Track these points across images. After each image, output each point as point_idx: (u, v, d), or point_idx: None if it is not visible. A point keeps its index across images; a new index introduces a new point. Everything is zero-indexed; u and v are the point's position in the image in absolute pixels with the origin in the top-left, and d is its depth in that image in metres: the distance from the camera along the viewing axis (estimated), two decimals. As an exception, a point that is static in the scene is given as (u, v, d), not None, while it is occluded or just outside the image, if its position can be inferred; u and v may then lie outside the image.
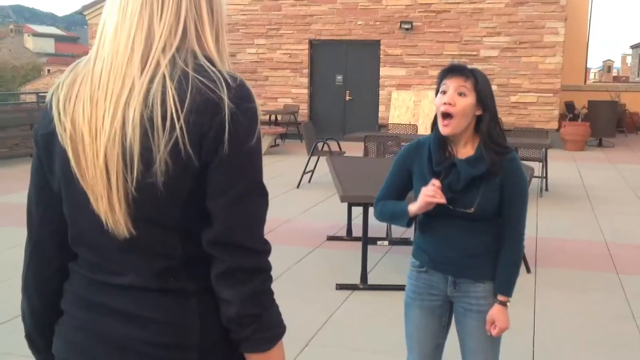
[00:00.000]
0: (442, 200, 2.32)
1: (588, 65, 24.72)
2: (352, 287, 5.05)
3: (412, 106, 15.35)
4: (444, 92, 2.38)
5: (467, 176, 2.37)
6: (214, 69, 1.25)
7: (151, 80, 1.21)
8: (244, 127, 1.23)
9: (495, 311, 2.43)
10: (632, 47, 48.85)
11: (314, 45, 16.14)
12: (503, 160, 2.39)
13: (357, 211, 6.70)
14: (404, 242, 5.85)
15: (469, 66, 2.42)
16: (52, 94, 1.30)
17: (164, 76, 1.21)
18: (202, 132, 1.20)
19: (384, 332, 4.25)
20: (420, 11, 15.47)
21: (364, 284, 5.10)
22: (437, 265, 2.51)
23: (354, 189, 5.09)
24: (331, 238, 6.52)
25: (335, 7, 15.86)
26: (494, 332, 2.43)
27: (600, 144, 15.63)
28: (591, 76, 36.10)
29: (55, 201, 1.34)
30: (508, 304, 2.43)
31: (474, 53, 15.30)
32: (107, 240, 1.27)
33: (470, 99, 2.36)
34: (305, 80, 16.24)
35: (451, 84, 2.37)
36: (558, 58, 15.01)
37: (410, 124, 11.74)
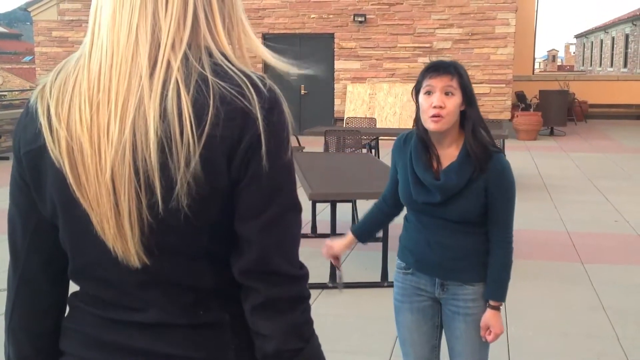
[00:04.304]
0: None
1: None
2: (320, 286, 4.96)
3: (367, 99, 15.34)
4: (429, 93, 2.26)
5: (454, 188, 2.28)
6: (234, 68, 1.06)
7: (164, 86, 1.02)
8: (278, 138, 1.06)
9: (488, 316, 2.35)
10: (576, 36, 49.88)
11: (267, 39, 15.96)
12: (489, 159, 2.27)
13: (320, 207, 6.63)
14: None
15: (449, 61, 2.32)
16: (37, 99, 1.09)
17: (178, 82, 1.02)
18: (231, 146, 1.03)
19: (358, 332, 4.19)
20: (373, 4, 15.46)
21: (333, 283, 5.01)
22: (423, 266, 2.42)
23: (321, 187, 5.01)
24: (295, 236, 6.42)
25: (288, 0, 15.72)
26: (489, 338, 2.36)
27: (552, 133, 15.88)
28: (536, 66, 36.81)
29: (45, 226, 1.15)
30: (501, 307, 2.36)
31: (427, 45, 15.37)
32: (122, 273, 1.08)
33: (457, 98, 2.25)
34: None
35: (437, 84, 2.23)
36: (509, 49, 15.20)
37: (367, 117, 11.70)
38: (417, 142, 2.35)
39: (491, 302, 2.34)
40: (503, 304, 2.36)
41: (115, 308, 1.13)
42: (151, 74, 1.03)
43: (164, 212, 1.03)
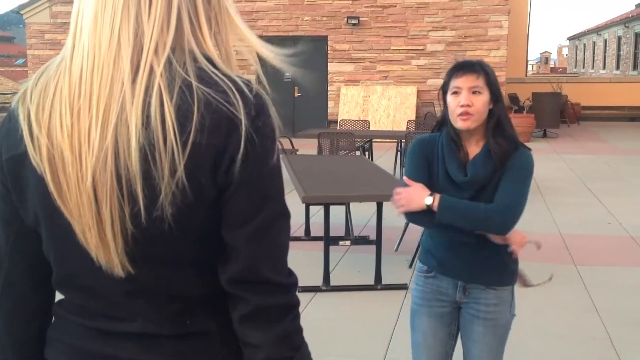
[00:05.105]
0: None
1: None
2: (314, 289, 4.95)
3: (361, 101, 15.35)
4: (457, 93, 2.25)
5: (482, 180, 2.26)
6: (219, 73, 1.04)
7: (146, 92, 0.99)
8: (264, 145, 1.04)
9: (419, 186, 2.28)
10: (569, 38, 50.04)
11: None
12: (513, 152, 2.25)
13: (314, 210, 6.62)
14: (365, 241, 5.79)
15: (475, 60, 2.32)
16: (18, 105, 1.05)
17: (160, 88, 0.99)
18: (217, 154, 1.00)
19: (351, 335, 4.18)
20: (366, 6, 15.48)
21: (327, 286, 5.00)
22: (446, 269, 2.39)
23: (314, 189, 5.00)
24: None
25: (282, 2, 15.72)
26: (397, 200, 2.30)
27: (544, 135, 15.92)
28: (529, 68, 36.94)
29: (29, 233, 1.12)
30: (427, 201, 2.24)
31: (421, 47, 15.40)
32: (106, 283, 1.06)
33: (485, 96, 2.25)
34: (252, 78, 15.95)
35: (463, 84, 2.23)
36: (502, 51, 15.23)
37: (360, 120, 11.71)
38: (449, 141, 2.32)
39: (435, 196, 2.26)
40: (434, 208, 2.25)
41: (100, 318, 1.11)
42: (133, 80, 1.00)
43: (148, 222, 1.01)
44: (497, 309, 2.37)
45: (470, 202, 2.26)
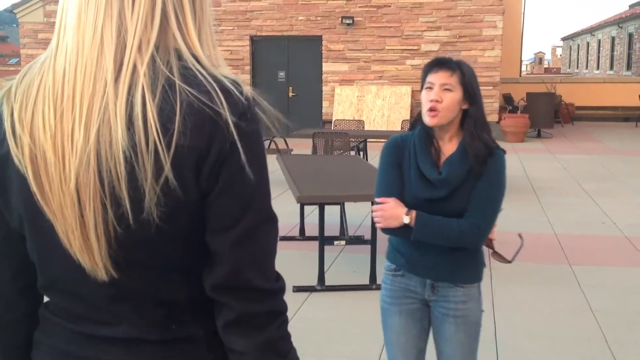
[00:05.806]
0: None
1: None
2: (309, 289, 4.95)
3: (355, 101, 15.34)
4: (430, 89, 2.27)
5: (457, 179, 2.26)
6: (205, 73, 1.01)
7: (129, 91, 0.97)
8: (249, 147, 1.01)
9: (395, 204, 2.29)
10: (563, 39, 50.13)
11: (255, 41, 15.95)
12: (489, 156, 2.27)
13: (309, 209, 6.60)
14: (359, 240, 5.78)
15: (455, 59, 2.31)
16: (2, 102, 1.04)
17: (143, 88, 0.96)
18: (199, 157, 0.98)
19: (347, 335, 4.16)
20: (361, 6, 15.47)
21: (322, 285, 5.00)
22: (414, 267, 2.38)
23: (309, 189, 4.99)
24: (283, 238, 6.39)
25: (276, 2, 15.69)
26: (377, 216, 2.31)
27: (539, 135, 15.95)
28: (523, 68, 37.01)
29: (15, 236, 1.10)
30: (405, 220, 2.26)
31: (415, 47, 15.40)
32: (91, 287, 1.04)
33: (456, 94, 2.26)
34: (247, 77, 16.00)
35: (436, 80, 2.26)
36: (497, 51, 15.25)
37: (355, 120, 11.70)
38: (423, 137, 2.33)
39: (412, 214, 2.26)
40: (409, 224, 2.27)
41: (85, 322, 1.09)
42: (116, 78, 0.98)
43: (132, 224, 0.99)
44: (466, 306, 2.37)
45: (445, 220, 2.27)
